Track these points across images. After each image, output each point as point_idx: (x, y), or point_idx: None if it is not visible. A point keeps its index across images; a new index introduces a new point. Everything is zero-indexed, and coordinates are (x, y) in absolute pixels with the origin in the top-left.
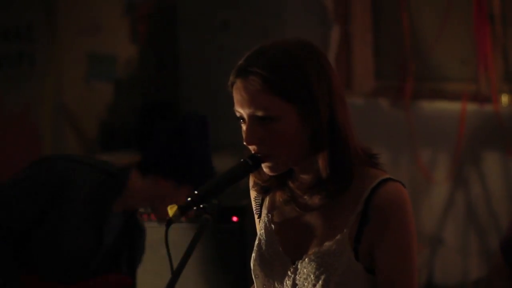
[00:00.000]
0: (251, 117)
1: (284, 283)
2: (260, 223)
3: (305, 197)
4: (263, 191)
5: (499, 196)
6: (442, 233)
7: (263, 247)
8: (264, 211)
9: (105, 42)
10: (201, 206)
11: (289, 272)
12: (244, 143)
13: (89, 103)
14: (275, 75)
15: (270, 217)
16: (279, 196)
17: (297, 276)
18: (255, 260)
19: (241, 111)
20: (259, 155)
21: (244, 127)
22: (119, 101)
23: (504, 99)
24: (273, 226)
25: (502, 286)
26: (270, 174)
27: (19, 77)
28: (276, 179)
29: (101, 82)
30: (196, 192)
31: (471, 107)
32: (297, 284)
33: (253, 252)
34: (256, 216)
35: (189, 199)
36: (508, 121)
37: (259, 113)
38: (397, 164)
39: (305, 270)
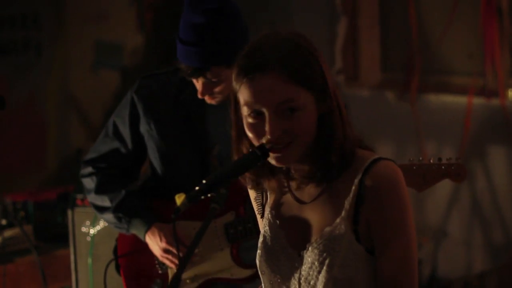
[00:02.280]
0: (275, 109)
1: (292, 277)
2: (264, 220)
3: (302, 186)
4: (256, 185)
5: (504, 190)
6: (447, 226)
7: (269, 242)
8: (267, 209)
9: (112, 30)
10: (209, 195)
11: (296, 264)
12: (268, 136)
13: (96, 91)
14: (295, 65)
15: (273, 213)
16: (278, 191)
17: (302, 266)
18: (260, 256)
19: (259, 105)
20: (279, 145)
21: (251, 120)
22: (126, 90)
23: (511, 93)
24: (277, 221)
25: None
26: (278, 165)
27: (26, 65)
28: (268, 171)
29: (108, 71)
30: (204, 181)
31: (477, 101)
32: (303, 275)
33: (259, 249)
34: (258, 216)
35: (197, 188)
36: None
37: (285, 104)
38: (402, 157)
39: (309, 259)
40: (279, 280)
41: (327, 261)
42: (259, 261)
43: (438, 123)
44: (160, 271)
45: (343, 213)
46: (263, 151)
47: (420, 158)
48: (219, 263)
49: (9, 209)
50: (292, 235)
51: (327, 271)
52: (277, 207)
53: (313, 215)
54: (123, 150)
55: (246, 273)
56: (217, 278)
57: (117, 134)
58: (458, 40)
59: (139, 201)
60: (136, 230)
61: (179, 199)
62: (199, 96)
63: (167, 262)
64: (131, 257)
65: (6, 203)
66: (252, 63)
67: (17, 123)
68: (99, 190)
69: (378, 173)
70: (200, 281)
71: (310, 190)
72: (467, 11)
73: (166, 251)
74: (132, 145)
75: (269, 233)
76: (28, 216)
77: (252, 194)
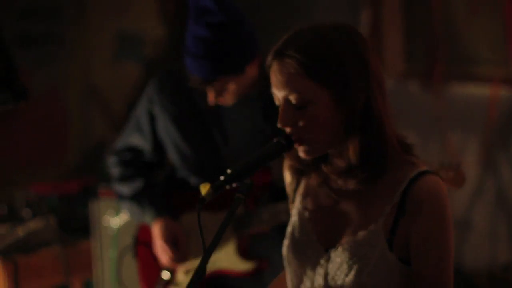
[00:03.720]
0: (286, 99)
1: (317, 271)
2: (294, 209)
3: (339, 182)
4: (298, 173)
5: None
6: (471, 217)
7: (296, 234)
8: (298, 197)
9: (133, 22)
10: (234, 185)
11: (321, 261)
12: (278, 125)
13: (117, 83)
14: (310, 59)
15: (304, 203)
16: (313, 181)
17: (329, 265)
18: (287, 246)
19: (277, 93)
20: (293, 137)
21: (278, 104)
22: (147, 81)
23: None
24: (307, 213)
25: None
26: (304, 157)
27: (48, 57)
28: (311, 162)
29: (129, 62)
30: (229, 171)
31: (502, 90)
32: (329, 273)
33: (286, 239)
34: (290, 202)
35: (221, 178)
36: None
37: (293, 96)
38: (426, 148)
39: (338, 259)
40: (304, 272)
41: (356, 266)
42: (286, 252)
43: (462, 113)
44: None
45: (380, 220)
46: (288, 141)
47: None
48: (224, 254)
49: (33, 200)
50: (321, 229)
51: (356, 276)
52: (310, 197)
53: (347, 213)
54: (145, 143)
55: (248, 265)
56: (220, 270)
57: (139, 128)
58: (482, 29)
59: (155, 193)
60: (147, 219)
61: (204, 189)
62: (210, 103)
63: (162, 259)
64: (148, 246)
65: (30, 194)
66: (275, 50)
67: (39, 115)
68: (122, 179)
69: (425, 189)
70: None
71: (349, 185)
72: (491, 0)
73: (161, 248)
74: (152, 140)
75: (297, 224)
76: (52, 207)
77: (287, 178)
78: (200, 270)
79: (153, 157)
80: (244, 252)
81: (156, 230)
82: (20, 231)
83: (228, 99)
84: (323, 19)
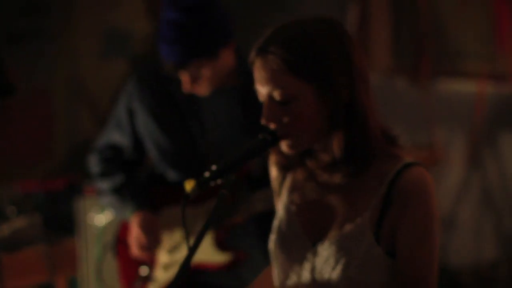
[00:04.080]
0: (270, 96)
1: (304, 266)
2: (280, 204)
3: (325, 176)
4: (284, 168)
5: None
6: (457, 214)
7: (283, 228)
8: (284, 192)
9: (121, 19)
10: (219, 181)
11: (308, 255)
12: (262, 121)
13: (105, 80)
14: (293, 55)
15: (290, 197)
16: (300, 175)
17: (316, 259)
18: (274, 241)
19: (261, 89)
20: (277, 132)
21: (262, 100)
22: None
23: None
24: (293, 207)
25: None
26: (289, 152)
27: (35, 53)
28: (297, 157)
29: (117, 59)
30: (213, 167)
31: (489, 86)
32: (316, 267)
33: (272, 233)
34: (276, 197)
35: (206, 174)
36: None
37: (277, 92)
38: (413, 143)
39: (325, 253)
40: (291, 268)
41: (343, 260)
42: (273, 247)
43: (449, 109)
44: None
45: (366, 213)
46: (273, 137)
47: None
48: (201, 246)
49: (18, 198)
50: (307, 223)
51: (343, 270)
52: (296, 191)
53: (334, 206)
54: (125, 140)
55: (225, 257)
56: (199, 264)
57: (119, 125)
58: (469, 25)
59: (136, 186)
60: (127, 213)
61: (189, 185)
62: (184, 90)
63: (133, 247)
64: (127, 245)
65: (15, 192)
66: (258, 46)
67: (26, 112)
68: (102, 175)
69: (411, 180)
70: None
71: (335, 179)
72: None
73: (135, 238)
74: (133, 136)
75: (284, 219)
76: (36, 205)
77: (273, 173)
78: (185, 266)
79: (133, 154)
80: (220, 244)
81: (135, 222)
82: (5, 229)
83: (203, 87)
84: (310, 14)
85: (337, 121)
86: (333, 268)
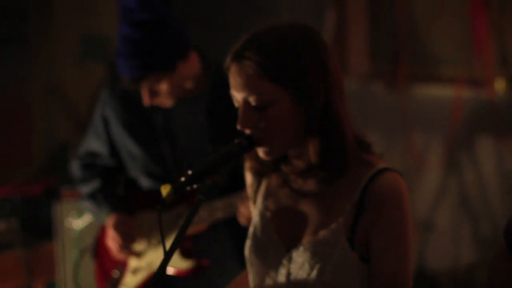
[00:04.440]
0: (245, 101)
1: (279, 272)
2: (255, 210)
3: (299, 181)
4: (259, 174)
5: (491, 182)
6: (435, 218)
7: (258, 234)
8: (259, 198)
9: (98, 23)
10: (195, 186)
11: (283, 261)
12: (238, 126)
13: (82, 83)
14: (269, 60)
15: (265, 203)
16: (274, 181)
17: (291, 265)
18: (249, 247)
19: (236, 95)
20: (253, 137)
21: (237, 106)
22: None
23: (499, 84)
24: (268, 213)
25: (504, 274)
26: (265, 158)
27: (12, 57)
28: (271, 163)
29: (94, 63)
30: (190, 172)
31: (465, 91)
32: (291, 273)
33: (247, 239)
34: (251, 203)
35: (182, 179)
36: (502, 106)
37: (253, 98)
38: (391, 148)
39: (299, 259)
40: (266, 273)
41: (318, 266)
42: (248, 252)
43: (427, 114)
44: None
45: (340, 219)
46: (249, 142)
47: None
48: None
49: None
50: (282, 229)
51: (318, 275)
52: (271, 197)
53: (308, 213)
54: (102, 148)
55: (187, 264)
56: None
57: (96, 133)
58: (446, 31)
59: (111, 191)
60: (102, 217)
61: (165, 190)
62: (145, 104)
63: (111, 248)
64: (106, 246)
65: None
66: (234, 52)
67: (2, 116)
68: (82, 180)
69: (384, 185)
70: (145, 273)
71: (310, 185)
72: (456, 1)
73: (112, 238)
74: (109, 144)
75: (259, 225)
76: (14, 209)
77: (248, 179)
78: (160, 272)
79: (110, 161)
80: (185, 251)
81: (110, 224)
82: None
83: (165, 100)
84: (288, 19)
85: (313, 127)
86: (308, 274)
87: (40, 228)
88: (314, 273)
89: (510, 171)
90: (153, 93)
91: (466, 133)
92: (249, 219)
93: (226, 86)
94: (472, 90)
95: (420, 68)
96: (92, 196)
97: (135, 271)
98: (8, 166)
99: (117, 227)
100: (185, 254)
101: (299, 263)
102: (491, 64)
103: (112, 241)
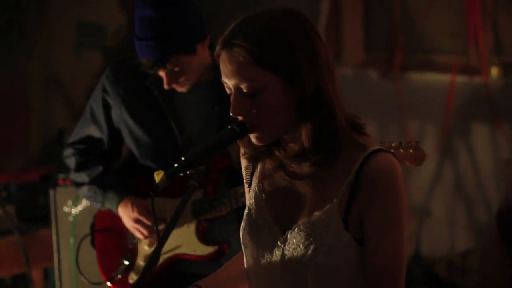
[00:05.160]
0: (237, 88)
1: (274, 253)
2: (250, 192)
3: (294, 165)
4: (253, 159)
5: (486, 168)
6: (430, 204)
7: (253, 215)
8: (255, 180)
9: (94, 11)
10: (188, 172)
11: (278, 242)
12: (230, 114)
13: (78, 71)
14: (258, 46)
15: (260, 186)
16: (269, 165)
17: (286, 246)
18: (244, 229)
19: (228, 82)
20: (246, 124)
21: (229, 93)
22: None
23: (493, 71)
24: (263, 195)
25: (496, 259)
26: (258, 144)
27: (8, 45)
28: (265, 147)
29: (90, 51)
30: (183, 158)
31: (460, 79)
32: (286, 255)
33: (243, 221)
34: (246, 185)
35: (176, 165)
36: (496, 93)
37: (244, 85)
38: (385, 136)
39: (294, 240)
40: (261, 255)
41: (312, 246)
42: (242, 234)
43: (421, 102)
44: (130, 246)
45: (335, 200)
46: (242, 128)
47: (384, 141)
48: (184, 239)
49: None
50: (277, 211)
51: (312, 256)
52: (266, 180)
53: (304, 194)
54: (99, 133)
55: (208, 250)
56: (180, 254)
57: (94, 118)
58: (441, 19)
59: (115, 176)
60: (109, 203)
61: (158, 176)
62: (165, 87)
63: (137, 233)
64: (105, 233)
65: None
66: (223, 39)
67: (1, 105)
68: (78, 168)
69: (378, 166)
70: (165, 256)
71: (304, 169)
72: None
73: (136, 221)
74: (108, 129)
75: (254, 206)
76: (10, 197)
77: (243, 162)
78: (154, 257)
79: (109, 146)
80: (203, 237)
81: (125, 209)
82: None
83: (184, 84)
84: (283, 5)
85: (304, 111)
86: (303, 255)
87: (37, 215)
88: (308, 254)
89: (504, 158)
90: (174, 77)
91: (460, 120)
92: None
93: None
94: (467, 78)
95: (414, 56)
96: (95, 183)
97: (146, 258)
98: (5, 154)
99: (138, 210)
100: (203, 240)
101: (294, 244)
102: (486, 51)
103: (137, 224)
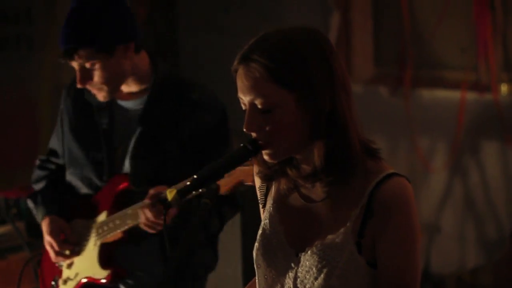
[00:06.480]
0: (251, 104)
1: (287, 275)
2: (265, 212)
3: (308, 186)
4: (267, 179)
5: (497, 185)
6: (440, 221)
7: (267, 236)
8: (269, 201)
9: None
10: (200, 190)
11: (292, 264)
12: (244, 129)
13: None
14: (275, 63)
15: (275, 206)
16: (283, 185)
17: (299, 268)
18: (258, 249)
19: (243, 97)
20: (259, 141)
21: (244, 109)
22: None
23: (504, 88)
24: (277, 216)
25: (510, 275)
26: (270, 161)
27: (18, 60)
28: (279, 167)
29: None
30: (195, 176)
31: (470, 95)
32: (298, 277)
33: (256, 241)
34: (260, 206)
35: (188, 183)
36: (507, 110)
37: (259, 101)
38: (395, 152)
39: (307, 263)
40: (274, 276)
41: (325, 270)
42: (256, 254)
43: (432, 118)
44: (59, 267)
45: (348, 224)
46: (254, 146)
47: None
48: (88, 261)
49: (1, 205)
50: (291, 233)
51: (325, 280)
52: (281, 201)
53: (318, 217)
54: (56, 146)
55: (103, 274)
56: (89, 277)
57: (57, 132)
58: (451, 35)
59: (53, 192)
60: (39, 218)
61: (170, 194)
62: (78, 85)
63: (50, 254)
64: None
65: None
66: (241, 54)
67: (9, 119)
68: (34, 181)
69: (391, 190)
70: (77, 279)
71: (318, 190)
72: (460, 5)
73: (47, 242)
74: (62, 142)
75: (268, 227)
76: (20, 212)
77: (257, 182)
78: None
79: (63, 160)
80: (104, 260)
81: (44, 227)
82: None
83: (100, 89)
84: (293, 23)
85: (318, 130)
86: (316, 278)
87: None
88: (321, 278)
89: None
90: (86, 74)
91: (470, 137)
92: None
93: (165, 100)
94: (477, 94)
95: (425, 72)
96: (33, 197)
97: (65, 281)
98: (15, 169)
99: (51, 231)
100: (102, 264)
101: (307, 267)
102: (496, 68)
103: (47, 244)
